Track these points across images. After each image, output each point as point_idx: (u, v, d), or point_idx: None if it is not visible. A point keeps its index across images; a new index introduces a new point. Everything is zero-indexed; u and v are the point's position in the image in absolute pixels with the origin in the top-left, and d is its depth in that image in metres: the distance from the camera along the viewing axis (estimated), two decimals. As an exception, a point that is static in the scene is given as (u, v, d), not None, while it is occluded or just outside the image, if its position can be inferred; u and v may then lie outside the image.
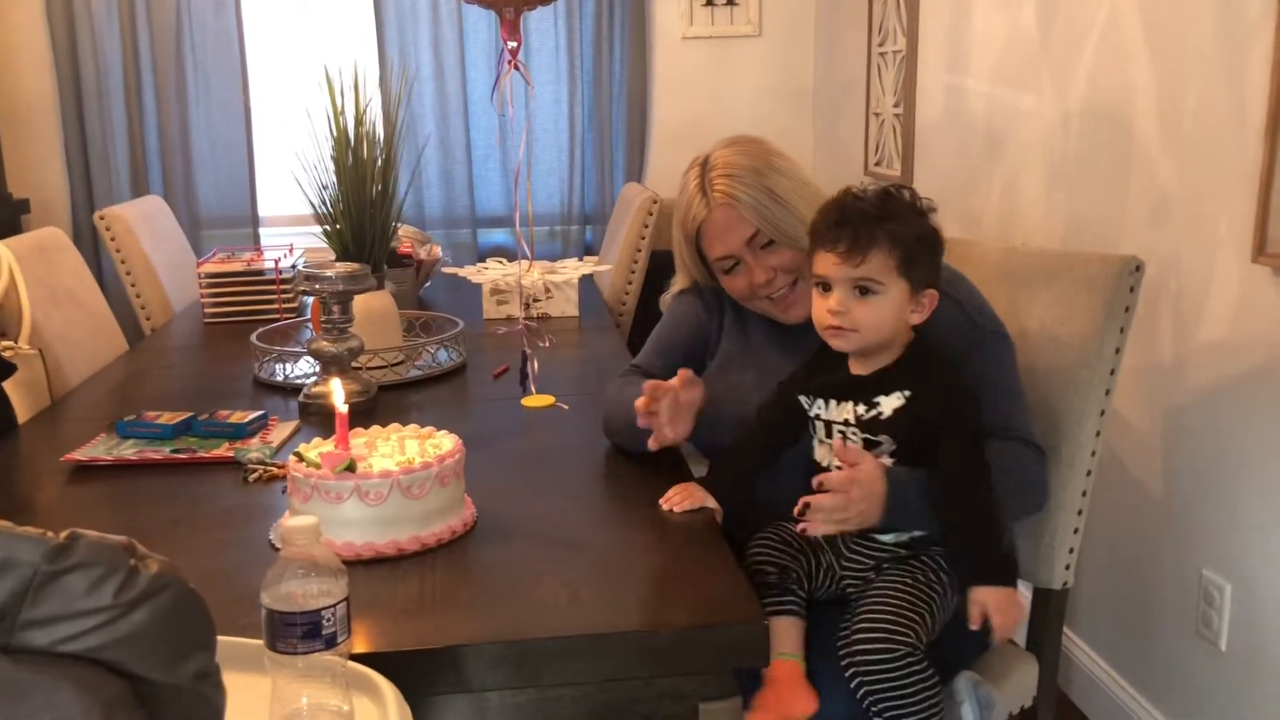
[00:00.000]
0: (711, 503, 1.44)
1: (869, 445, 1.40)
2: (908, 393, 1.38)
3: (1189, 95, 1.93)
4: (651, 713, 1.16)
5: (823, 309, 1.38)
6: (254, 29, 3.91)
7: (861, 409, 1.40)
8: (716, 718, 1.16)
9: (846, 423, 1.42)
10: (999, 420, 1.45)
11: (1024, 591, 1.69)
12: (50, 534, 0.60)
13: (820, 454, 1.46)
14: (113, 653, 0.58)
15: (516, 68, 1.82)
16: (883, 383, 1.39)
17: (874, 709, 1.34)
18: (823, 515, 1.35)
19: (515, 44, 1.83)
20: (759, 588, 1.34)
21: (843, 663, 1.34)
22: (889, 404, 1.39)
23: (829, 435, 1.45)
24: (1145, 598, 2.13)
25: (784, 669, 1.35)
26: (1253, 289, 1.78)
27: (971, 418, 1.38)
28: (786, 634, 1.38)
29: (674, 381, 1.48)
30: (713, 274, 1.66)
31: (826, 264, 1.37)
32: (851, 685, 1.33)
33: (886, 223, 1.35)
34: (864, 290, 1.35)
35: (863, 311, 1.36)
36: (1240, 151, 1.79)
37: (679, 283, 1.76)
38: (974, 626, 1.32)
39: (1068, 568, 1.65)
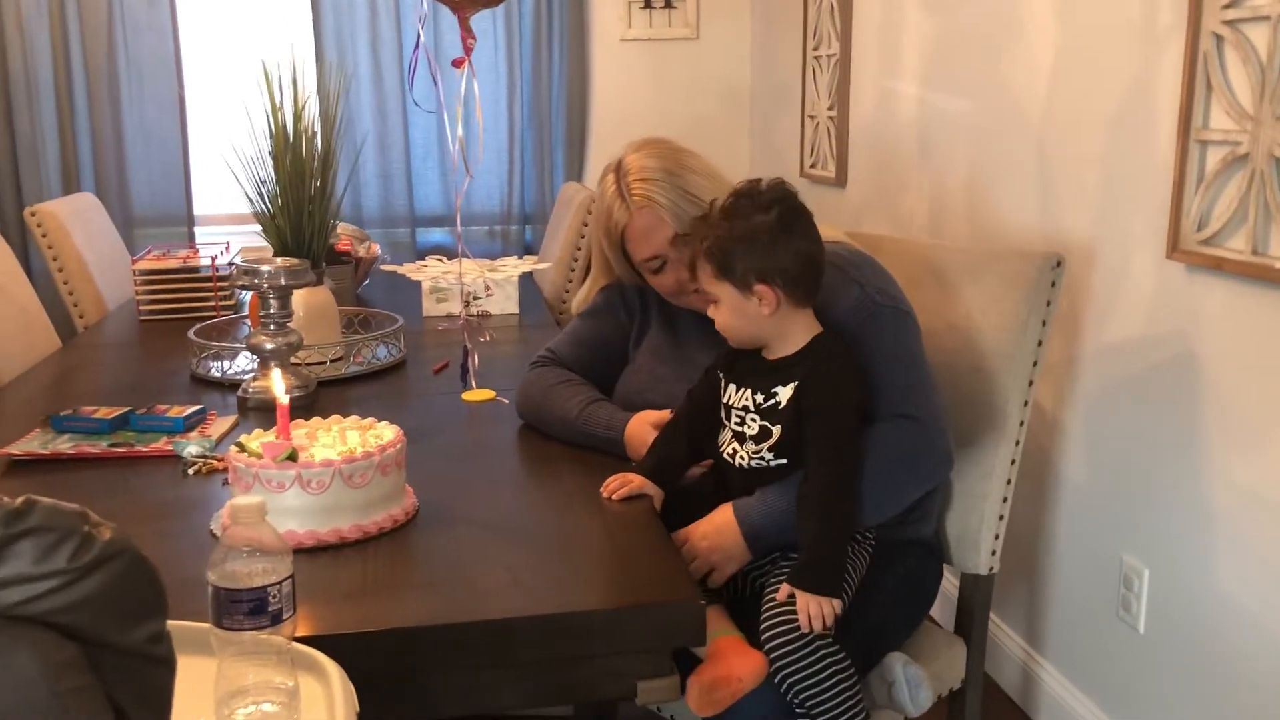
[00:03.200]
0: (651, 489, 1.47)
1: (763, 434, 1.46)
2: (797, 383, 1.44)
3: (1107, 99, 2.01)
4: (592, 691, 1.20)
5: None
6: (188, 23, 3.87)
7: (760, 397, 1.46)
8: (655, 695, 1.19)
9: (746, 409, 1.47)
10: (895, 393, 1.49)
11: (951, 579, 1.75)
12: (5, 499, 0.61)
13: (723, 438, 1.52)
14: (68, 616, 0.59)
15: (468, 65, 1.84)
16: (781, 371, 1.46)
17: (792, 695, 1.37)
18: (694, 570, 1.46)
19: (473, 41, 1.86)
20: None
21: (764, 651, 1.38)
22: (785, 394, 1.45)
23: (728, 419, 1.50)
24: (1068, 583, 2.21)
25: (724, 641, 1.39)
26: (1167, 284, 1.86)
27: (840, 418, 1.43)
28: (717, 618, 1.42)
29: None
30: (641, 275, 1.70)
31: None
32: (773, 673, 1.37)
33: (705, 239, 1.46)
34: (715, 303, 1.48)
35: (718, 317, 1.48)
36: (1154, 153, 1.86)
37: (597, 280, 1.80)
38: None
39: (993, 554, 1.71)
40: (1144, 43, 1.89)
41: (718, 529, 1.47)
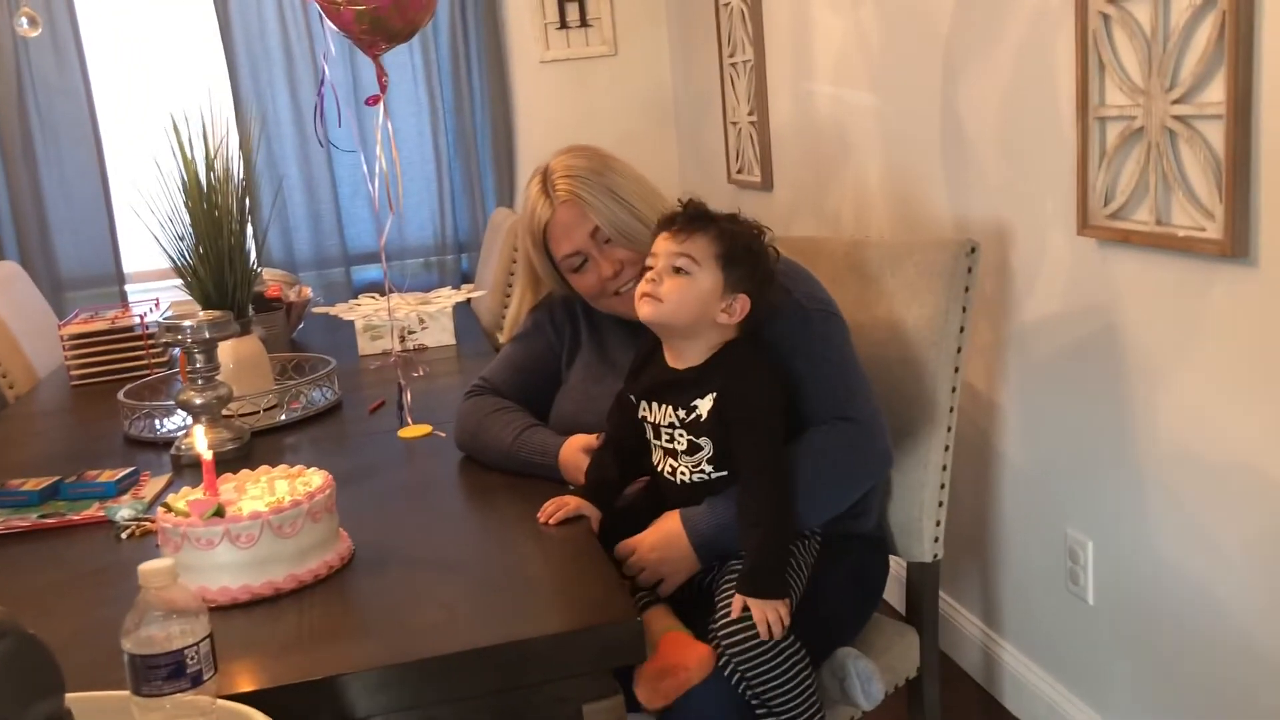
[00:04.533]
0: (588, 509, 1.47)
1: (692, 448, 1.46)
2: (715, 394, 1.44)
3: (1009, 82, 2.04)
4: (536, 719, 1.19)
5: (643, 279, 1.47)
6: (101, 80, 3.81)
7: (682, 412, 1.46)
8: (601, 717, 1.19)
9: (672, 425, 1.47)
10: (831, 397, 1.51)
11: (899, 566, 1.77)
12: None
13: (655, 458, 1.52)
14: (-47, 703, 0.58)
15: (383, 103, 1.84)
16: (698, 383, 1.45)
17: (750, 693, 1.38)
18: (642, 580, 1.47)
19: (387, 79, 1.86)
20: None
21: (717, 652, 1.38)
22: (704, 405, 1.45)
23: (657, 438, 1.50)
24: (1018, 561, 2.24)
25: (671, 635, 1.39)
26: (1081, 260, 1.89)
27: (766, 424, 1.43)
28: (660, 617, 1.43)
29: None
30: (563, 278, 1.71)
31: (658, 244, 1.47)
32: (725, 673, 1.37)
33: (721, 223, 1.45)
34: (679, 270, 1.44)
35: (672, 285, 1.43)
36: (1057, 132, 1.90)
37: (524, 298, 1.80)
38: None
39: (936, 540, 1.73)
40: (1038, 25, 1.93)
41: (666, 539, 1.47)
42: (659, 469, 1.51)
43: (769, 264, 1.48)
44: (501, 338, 1.86)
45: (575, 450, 1.58)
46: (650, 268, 1.47)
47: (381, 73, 1.86)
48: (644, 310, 1.45)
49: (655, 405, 1.49)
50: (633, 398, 1.52)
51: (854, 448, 1.52)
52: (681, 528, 1.47)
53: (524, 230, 1.70)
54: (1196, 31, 1.54)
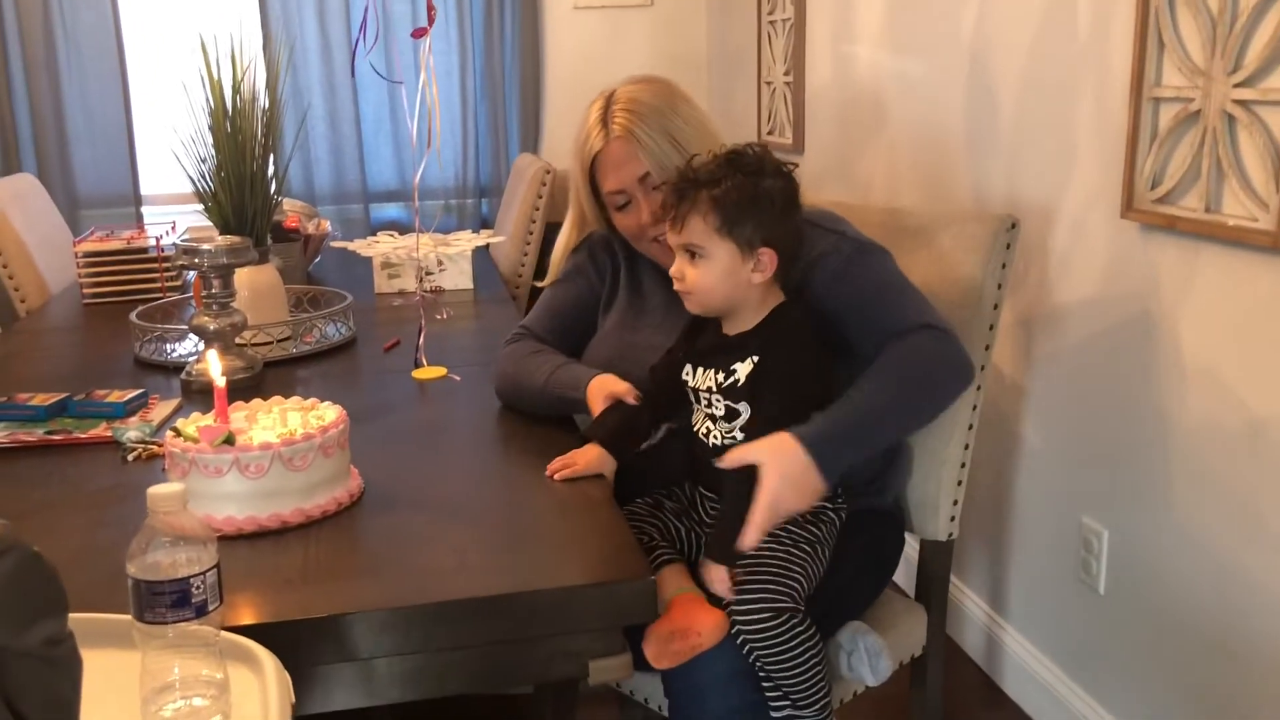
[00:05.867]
0: (601, 465, 1.44)
1: (730, 414, 1.42)
2: (756, 358, 1.40)
3: (1061, 58, 1.98)
4: (542, 672, 1.17)
5: (671, 274, 1.44)
6: (128, -1, 3.76)
7: (721, 376, 1.42)
8: (607, 674, 1.16)
9: (710, 390, 1.44)
10: (899, 316, 1.46)
11: (909, 545, 1.74)
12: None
13: (696, 419, 1.48)
14: (-48, 620, 0.56)
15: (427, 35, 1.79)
16: (742, 348, 1.42)
17: (759, 665, 1.36)
18: (756, 534, 1.34)
19: (435, 11, 1.82)
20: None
21: (731, 624, 1.35)
22: (743, 370, 1.41)
23: (698, 402, 1.47)
24: (1029, 546, 2.21)
25: (684, 597, 1.37)
26: (1122, 244, 1.85)
27: (791, 389, 1.39)
28: (674, 578, 1.40)
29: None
30: (605, 211, 1.66)
31: (668, 236, 1.43)
32: (738, 641, 1.35)
33: (709, 187, 1.38)
34: (694, 254, 1.40)
35: (693, 274, 1.40)
36: (1107, 112, 1.84)
37: (569, 240, 1.75)
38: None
39: (952, 519, 1.70)
40: (1096, 1, 1.87)
41: (780, 454, 1.34)
42: (695, 429, 1.48)
43: (774, 196, 1.40)
44: (546, 280, 1.80)
45: (604, 388, 1.53)
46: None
47: (431, 5, 1.82)
48: (688, 306, 1.44)
49: (700, 370, 1.45)
50: (683, 357, 1.48)
51: (946, 351, 1.45)
52: (783, 458, 1.34)
53: (574, 154, 1.64)
54: (1269, 13, 1.48)
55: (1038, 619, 2.20)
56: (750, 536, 1.33)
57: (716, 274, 1.39)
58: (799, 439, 1.34)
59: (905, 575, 1.82)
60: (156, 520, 0.84)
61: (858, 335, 1.47)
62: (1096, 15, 1.87)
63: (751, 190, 1.38)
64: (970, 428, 1.68)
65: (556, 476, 1.41)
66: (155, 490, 0.84)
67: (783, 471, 1.33)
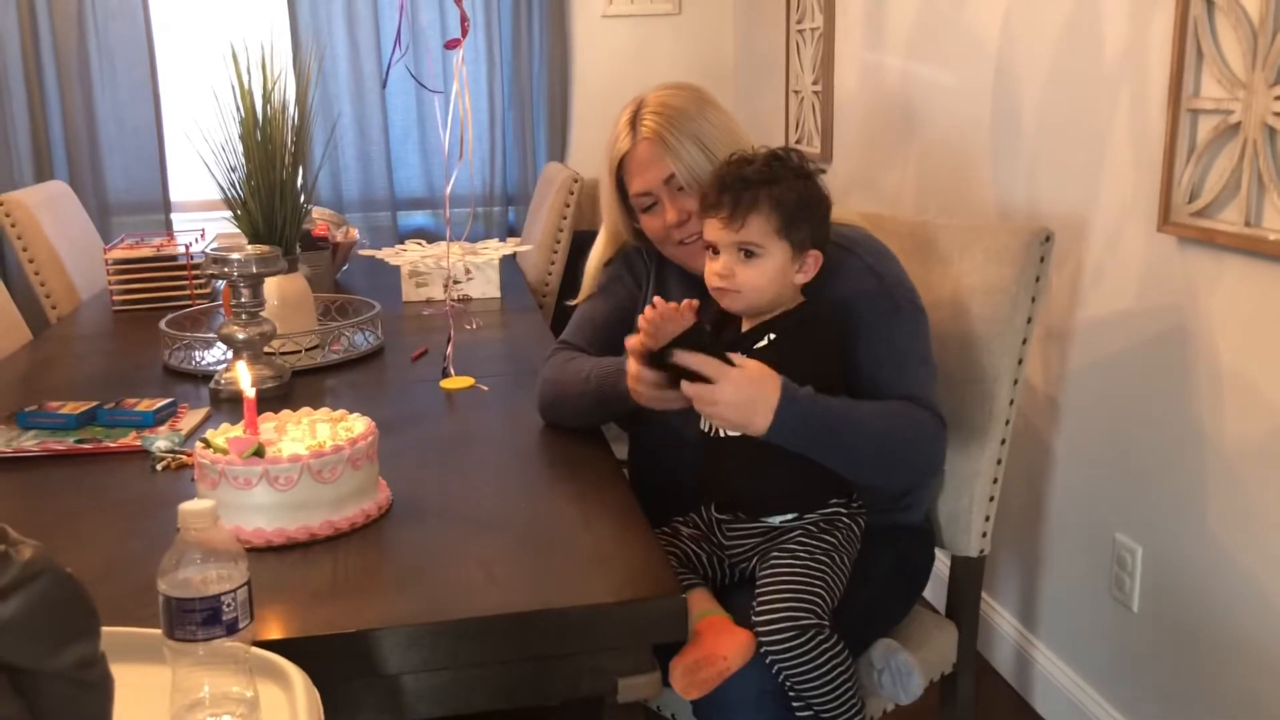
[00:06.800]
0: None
1: None
2: (773, 335, 1.40)
3: (1097, 68, 1.96)
4: (571, 689, 1.15)
5: (711, 271, 1.42)
6: (160, 5, 3.79)
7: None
8: (636, 692, 1.15)
9: None
10: (908, 387, 1.46)
11: (944, 561, 1.72)
12: (-86, 520, 0.57)
13: (704, 421, 1.46)
14: (-15, 642, 0.55)
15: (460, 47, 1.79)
16: (760, 331, 1.42)
17: (788, 684, 1.35)
18: (694, 396, 1.32)
19: (468, 23, 1.82)
20: None
21: (758, 641, 1.34)
22: (759, 346, 1.41)
23: None
24: (1061, 563, 2.18)
25: (710, 620, 1.35)
26: (1158, 257, 1.82)
27: (802, 370, 1.37)
28: (700, 602, 1.38)
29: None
30: (632, 215, 1.66)
31: (712, 229, 1.41)
32: (766, 660, 1.34)
33: (767, 187, 1.38)
34: (748, 253, 1.39)
35: (746, 273, 1.39)
36: (1144, 123, 1.82)
37: (603, 253, 1.75)
38: None
39: (984, 535, 1.68)
40: (1133, 9, 1.84)
41: (755, 369, 1.33)
42: (708, 432, 1.47)
43: (821, 199, 1.42)
44: (580, 296, 1.79)
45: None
46: (709, 246, 1.42)
47: (464, 16, 1.82)
48: (726, 304, 1.43)
49: None
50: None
51: (929, 434, 1.46)
52: (766, 374, 1.33)
53: (603, 157, 1.66)
54: (1310, 24, 1.46)
55: (1070, 636, 2.17)
56: (678, 357, 1.31)
57: (770, 274, 1.39)
58: (783, 389, 1.32)
59: (936, 591, 1.80)
60: (188, 536, 0.84)
61: (864, 375, 1.46)
62: (1133, 26, 1.84)
63: (804, 191, 1.40)
64: (1003, 442, 1.65)
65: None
66: (187, 506, 0.84)
67: (749, 393, 1.31)
